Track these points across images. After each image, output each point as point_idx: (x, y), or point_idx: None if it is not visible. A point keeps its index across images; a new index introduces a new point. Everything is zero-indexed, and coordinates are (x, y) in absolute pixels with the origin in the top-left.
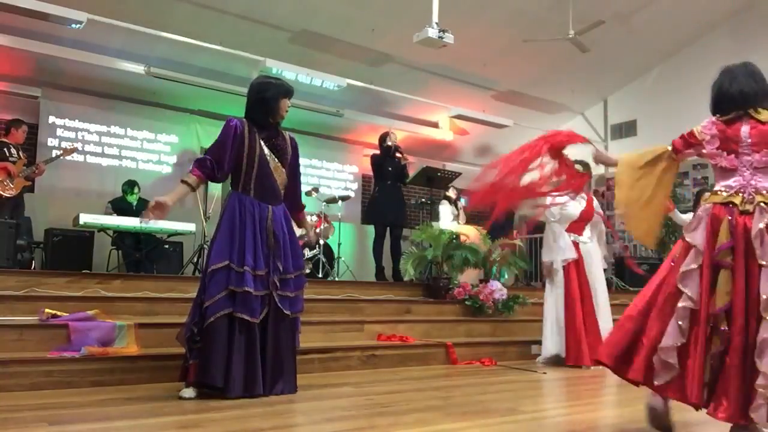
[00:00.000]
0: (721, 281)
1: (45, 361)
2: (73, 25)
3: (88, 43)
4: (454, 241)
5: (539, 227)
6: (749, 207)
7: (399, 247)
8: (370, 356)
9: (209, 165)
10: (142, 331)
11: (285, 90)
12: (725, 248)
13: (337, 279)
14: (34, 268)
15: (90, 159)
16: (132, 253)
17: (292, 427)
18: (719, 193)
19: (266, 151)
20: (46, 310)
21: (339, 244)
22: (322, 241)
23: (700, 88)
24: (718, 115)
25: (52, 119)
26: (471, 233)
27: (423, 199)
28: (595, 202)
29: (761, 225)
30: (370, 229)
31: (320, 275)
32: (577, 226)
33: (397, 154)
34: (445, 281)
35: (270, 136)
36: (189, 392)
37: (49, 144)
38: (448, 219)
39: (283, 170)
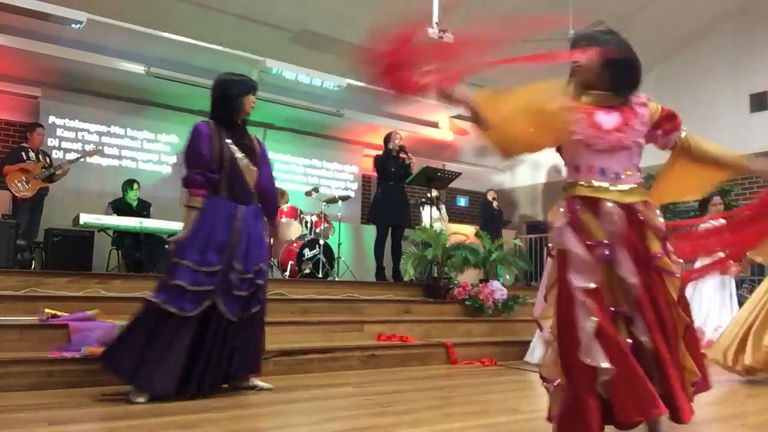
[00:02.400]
0: None
1: (45, 361)
2: (73, 25)
3: (88, 43)
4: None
5: (536, 227)
6: None
7: (400, 248)
8: (370, 356)
9: (203, 178)
10: None
11: (248, 87)
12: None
13: (337, 279)
14: (34, 268)
15: (90, 159)
16: (132, 253)
17: (292, 427)
18: None
19: (235, 151)
20: (46, 310)
21: (339, 244)
22: (322, 241)
23: (701, 88)
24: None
25: (52, 119)
26: (471, 233)
27: (423, 200)
28: None
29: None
30: (371, 229)
31: (320, 275)
32: None
33: (401, 155)
34: (445, 281)
35: (236, 135)
36: (138, 396)
37: (49, 144)
38: (428, 221)
39: (254, 168)
